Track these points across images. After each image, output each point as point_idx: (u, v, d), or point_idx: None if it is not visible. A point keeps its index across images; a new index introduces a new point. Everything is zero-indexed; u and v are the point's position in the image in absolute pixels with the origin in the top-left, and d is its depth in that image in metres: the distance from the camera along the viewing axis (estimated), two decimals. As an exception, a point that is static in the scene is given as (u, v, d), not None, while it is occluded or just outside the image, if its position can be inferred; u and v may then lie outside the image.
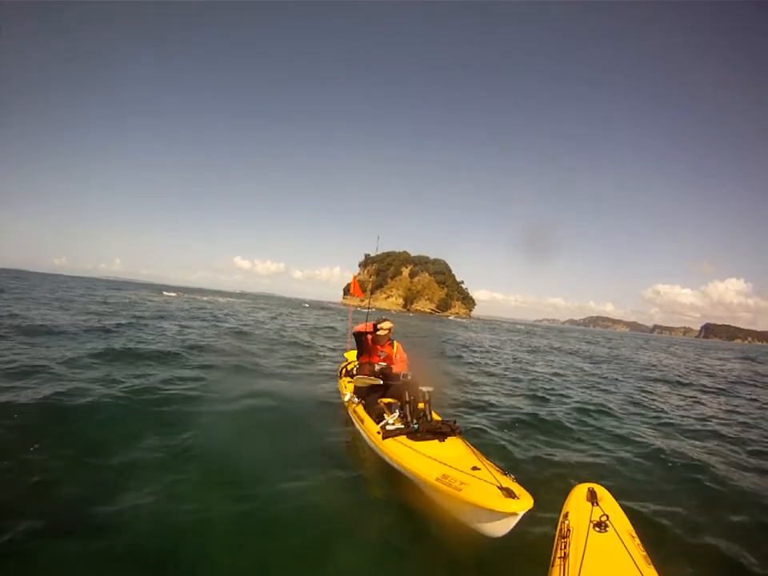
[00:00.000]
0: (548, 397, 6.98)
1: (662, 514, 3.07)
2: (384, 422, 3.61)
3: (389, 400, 4.18)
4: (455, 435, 3.34)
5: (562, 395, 7.26)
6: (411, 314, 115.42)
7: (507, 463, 3.59)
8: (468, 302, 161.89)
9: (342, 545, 2.49)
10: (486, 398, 6.55)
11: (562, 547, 1.96)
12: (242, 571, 2.25)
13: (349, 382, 5.01)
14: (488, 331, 37.20)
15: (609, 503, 2.27)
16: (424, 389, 3.75)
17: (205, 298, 42.14)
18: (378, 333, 4.67)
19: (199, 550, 2.35)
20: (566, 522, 2.12)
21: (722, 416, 6.80)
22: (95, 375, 5.38)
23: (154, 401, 4.64)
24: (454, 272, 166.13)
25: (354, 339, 5.02)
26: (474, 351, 15.30)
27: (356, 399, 4.40)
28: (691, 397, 8.60)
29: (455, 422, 3.47)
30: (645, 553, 1.92)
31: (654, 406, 7.04)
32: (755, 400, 8.87)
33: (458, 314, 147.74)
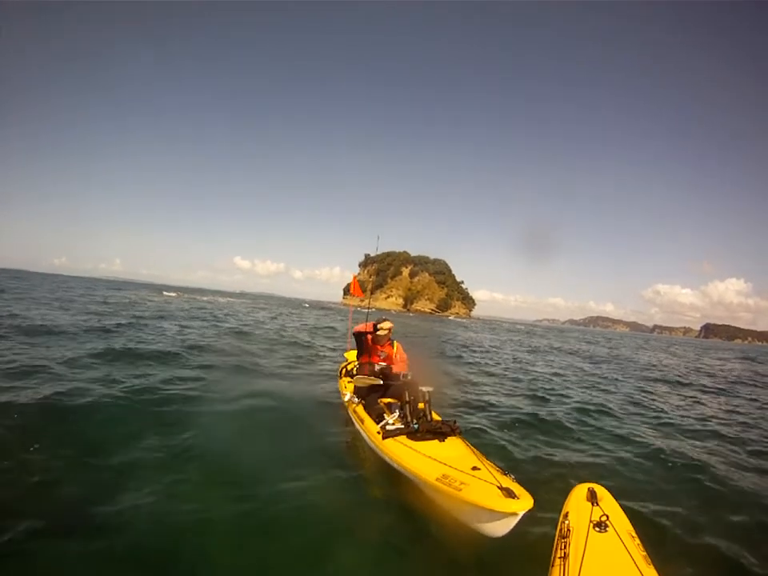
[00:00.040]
0: (548, 397, 6.99)
1: (662, 513, 3.07)
2: (384, 421, 3.61)
3: (389, 400, 4.18)
4: (455, 435, 3.34)
5: (561, 395, 7.26)
6: (411, 314, 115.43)
7: (507, 463, 3.59)
8: (468, 302, 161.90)
9: (342, 545, 2.49)
10: (485, 397, 6.55)
11: (562, 547, 1.96)
12: (242, 571, 2.25)
13: (349, 382, 5.01)
14: (488, 331, 37.20)
15: (609, 503, 2.27)
16: (424, 389, 3.75)
17: (205, 298, 42.14)
18: (378, 333, 4.67)
19: (199, 550, 2.35)
20: (566, 521, 2.12)
21: (722, 416, 6.80)
22: (95, 375, 5.38)
23: (154, 401, 4.64)
24: (454, 272, 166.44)
25: (353, 339, 5.02)
26: (474, 351, 15.30)
27: (356, 399, 4.40)
28: (691, 397, 8.60)
29: (455, 421, 3.47)
30: (645, 553, 1.92)
31: (654, 406, 7.04)
32: (755, 400, 8.87)
33: (458, 314, 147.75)
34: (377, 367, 4.53)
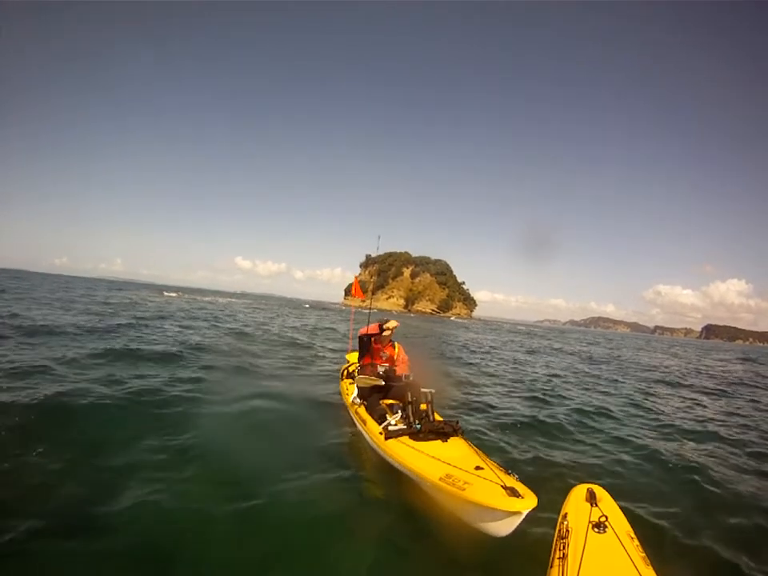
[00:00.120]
0: (548, 398, 6.98)
1: (661, 515, 3.07)
2: (386, 422, 3.61)
3: (391, 401, 4.18)
4: (458, 435, 3.34)
5: (561, 396, 7.26)
6: (412, 315, 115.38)
7: (506, 464, 3.59)
8: (469, 302, 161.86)
9: (344, 545, 2.50)
10: (485, 398, 6.55)
11: (561, 548, 1.96)
12: (242, 571, 2.25)
13: (351, 383, 5.01)
14: (489, 332, 37.18)
15: (608, 504, 2.28)
16: (425, 390, 3.76)
17: (205, 299, 42.17)
18: (383, 333, 4.67)
19: (200, 550, 2.36)
20: (565, 522, 2.13)
21: (722, 418, 6.79)
22: (96, 375, 5.40)
23: (154, 401, 4.65)
24: (455, 273, 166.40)
25: (354, 341, 5.02)
26: (475, 352, 15.30)
27: (358, 400, 4.40)
28: (691, 398, 8.59)
29: (457, 422, 3.47)
30: (644, 554, 1.92)
31: (654, 408, 7.03)
32: (756, 401, 8.85)
33: (459, 314, 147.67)
34: (380, 368, 4.54)
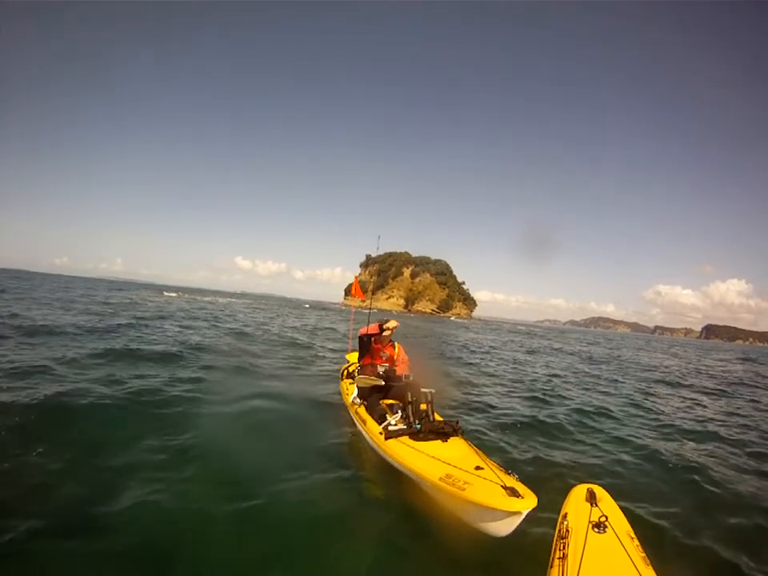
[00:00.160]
0: (548, 398, 6.98)
1: (661, 515, 3.07)
2: (386, 422, 3.61)
3: (391, 401, 4.18)
4: (457, 435, 3.34)
5: (561, 396, 7.26)
6: (412, 315, 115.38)
7: (507, 464, 3.59)
8: (469, 302, 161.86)
9: (344, 544, 2.50)
10: (485, 399, 6.55)
11: (561, 548, 1.96)
12: (242, 571, 2.25)
13: (351, 383, 5.01)
14: (489, 332, 37.18)
15: (608, 504, 2.28)
16: (425, 390, 3.76)
17: (206, 299, 42.17)
18: (384, 333, 4.67)
19: (200, 550, 2.36)
20: (565, 522, 2.13)
21: (722, 418, 6.79)
22: (96, 376, 5.40)
23: (154, 401, 4.65)
24: (455, 273, 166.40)
25: (354, 341, 5.01)
26: (475, 352, 15.30)
27: (358, 400, 4.40)
28: (691, 398, 8.59)
29: (457, 422, 3.47)
30: (644, 554, 1.92)
31: (654, 408, 7.03)
32: (756, 401, 8.85)
33: (459, 314, 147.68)
34: (380, 368, 4.54)
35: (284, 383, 6.45)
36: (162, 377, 5.75)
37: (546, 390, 7.85)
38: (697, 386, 10.67)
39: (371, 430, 3.69)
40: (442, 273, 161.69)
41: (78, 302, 18.48)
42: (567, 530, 2.06)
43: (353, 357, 5.93)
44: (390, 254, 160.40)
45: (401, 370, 4.61)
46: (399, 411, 3.72)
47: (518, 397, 7.02)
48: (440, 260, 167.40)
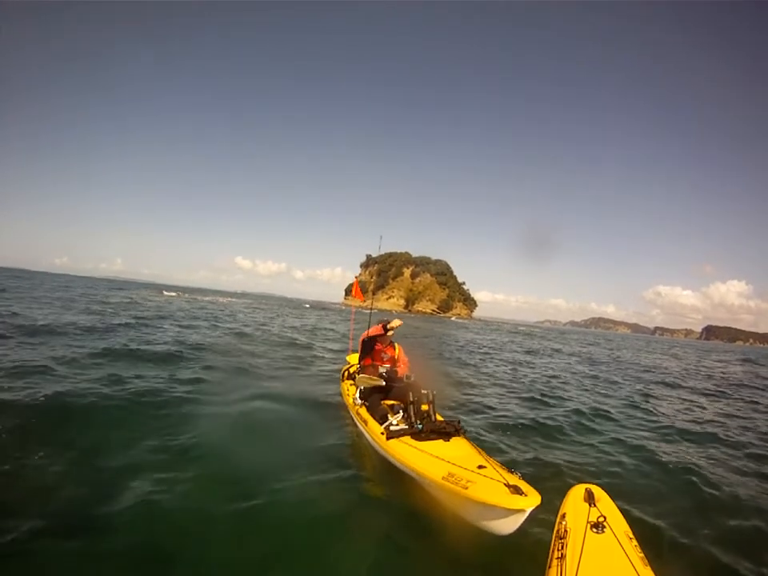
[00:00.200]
0: (547, 399, 6.99)
1: (660, 516, 3.08)
2: (388, 422, 3.61)
3: (392, 402, 4.18)
4: (459, 435, 3.34)
5: (560, 397, 7.26)
6: (412, 315, 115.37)
7: (506, 464, 3.59)
8: (469, 302, 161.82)
9: (345, 544, 2.51)
10: (484, 399, 6.56)
11: (559, 548, 1.97)
12: (243, 571, 2.26)
13: (351, 384, 5.02)
14: (489, 332, 37.17)
15: (606, 504, 2.28)
16: (425, 391, 3.76)
17: (206, 298, 42.18)
18: (388, 333, 4.65)
19: (200, 550, 2.36)
20: (564, 522, 2.13)
21: (721, 419, 6.78)
22: (96, 375, 5.40)
23: (154, 401, 4.66)
24: (455, 273, 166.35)
25: (355, 341, 5.01)
26: (475, 353, 15.30)
27: (359, 401, 4.40)
28: (691, 400, 8.59)
29: (459, 421, 3.47)
30: (642, 554, 1.93)
31: (653, 409, 7.02)
32: (756, 403, 8.85)
33: (459, 314, 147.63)
34: (381, 369, 4.54)
35: (284, 383, 6.46)
36: (162, 377, 5.76)
37: (545, 390, 7.86)
38: (696, 387, 10.67)
39: (373, 430, 3.69)
40: (443, 273, 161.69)
41: (78, 301, 18.48)
42: (565, 530, 2.06)
43: (353, 358, 5.94)
44: (391, 254, 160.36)
45: (402, 370, 4.61)
46: (401, 411, 3.72)
47: (517, 398, 7.02)
48: (440, 260, 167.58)
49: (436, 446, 3.13)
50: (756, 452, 4.95)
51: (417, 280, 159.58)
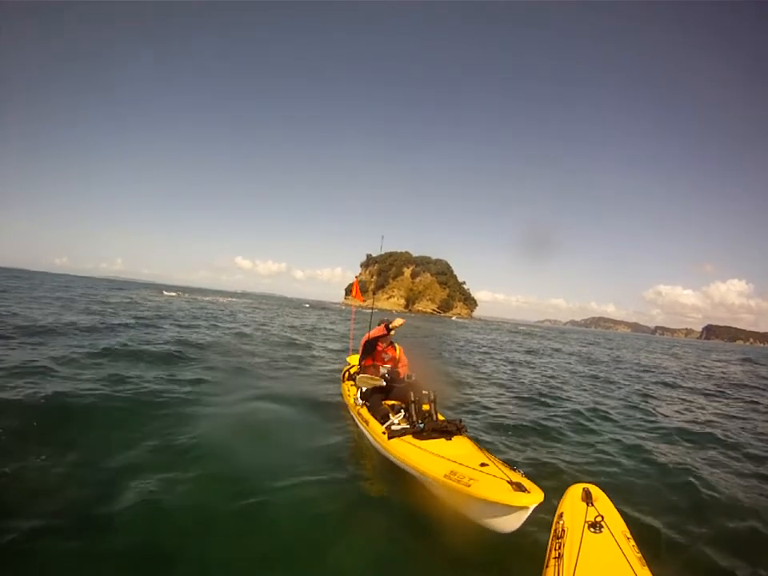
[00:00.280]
0: (546, 399, 6.99)
1: (657, 516, 3.08)
2: (389, 422, 3.61)
3: (393, 402, 4.18)
4: (461, 434, 3.35)
5: (560, 397, 7.26)
6: (413, 315, 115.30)
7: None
8: (470, 302, 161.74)
9: (347, 544, 2.51)
10: (484, 399, 6.56)
11: (557, 548, 1.97)
12: (243, 571, 2.26)
13: (352, 384, 5.02)
14: (489, 332, 37.17)
15: (604, 504, 2.28)
16: (426, 391, 3.76)
17: (206, 298, 42.17)
18: (390, 333, 4.65)
19: (200, 550, 2.37)
20: (561, 522, 2.13)
21: (720, 420, 6.78)
22: (96, 376, 5.40)
23: (154, 402, 4.67)
24: (455, 272, 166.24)
25: (356, 341, 5.00)
26: (474, 352, 15.30)
27: (360, 401, 4.40)
28: (690, 400, 8.59)
29: (461, 420, 3.47)
30: (639, 554, 1.93)
31: (652, 409, 7.02)
32: (756, 403, 8.84)
33: (459, 314, 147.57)
34: (382, 369, 4.54)
35: (284, 383, 6.47)
36: (162, 377, 5.76)
37: (545, 390, 7.86)
38: (696, 387, 10.67)
39: (374, 429, 3.69)
40: (443, 273, 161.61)
41: (78, 301, 18.49)
42: (563, 530, 2.06)
43: (353, 359, 5.93)
44: (391, 254, 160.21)
45: (403, 371, 4.62)
46: (402, 411, 3.72)
47: (517, 398, 7.02)
48: (440, 260, 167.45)
49: (438, 444, 3.14)
50: (755, 453, 4.95)
51: (417, 280, 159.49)
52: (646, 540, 2.30)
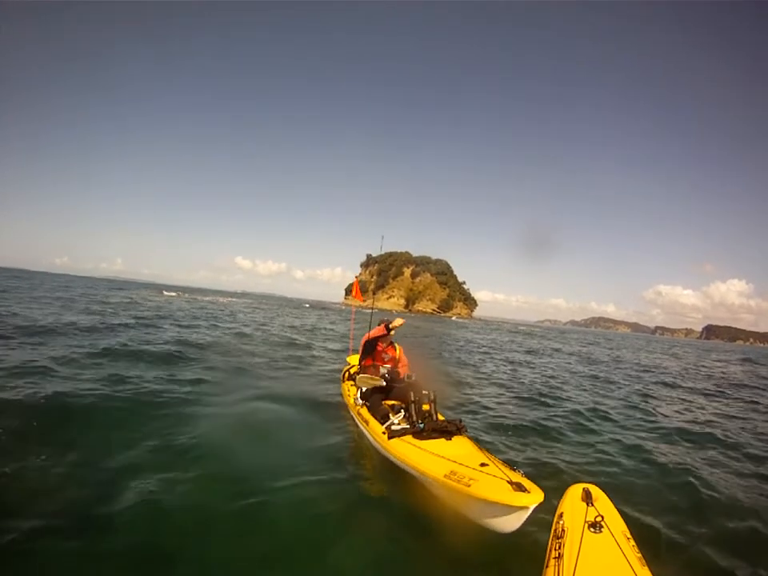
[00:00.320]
0: (546, 399, 6.99)
1: (657, 515, 3.08)
2: (389, 422, 3.61)
3: (393, 402, 4.18)
4: (461, 434, 3.35)
5: (560, 397, 7.26)
6: (413, 315, 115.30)
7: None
8: (470, 302, 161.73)
9: (346, 544, 2.52)
10: (484, 399, 6.56)
11: (557, 548, 1.97)
12: (243, 571, 2.26)
13: (352, 385, 5.02)
14: (489, 332, 37.17)
15: (604, 504, 2.28)
16: (426, 391, 3.76)
17: (206, 298, 42.17)
18: (390, 333, 4.65)
19: (200, 550, 2.37)
20: (561, 522, 2.13)
21: (720, 420, 6.78)
22: (96, 375, 5.40)
23: (154, 402, 4.67)
24: (455, 272, 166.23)
25: (356, 341, 5.00)
26: (474, 352, 15.31)
27: (360, 401, 4.40)
28: (690, 400, 8.59)
29: (461, 420, 3.47)
30: (639, 554, 1.92)
31: (652, 409, 7.02)
32: (756, 403, 8.84)
33: (459, 314, 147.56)
34: (382, 369, 4.54)
35: (284, 383, 6.47)
36: (162, 377, 5.76)
37: (545, 390, 7.86)
38: (696, 387, 10.67)
39: (374, 429, 3.69)
40: (443, 272, 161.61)
41: (78, 301, 18.49)
42: (563, 530, 2.06)
43: (353, 359, 5.93)
44: (391, 254, 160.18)
45: (403, 371, 4.62)
46: (402, 411, 3.72)
47: (517, 398, 7.02)
48: (440, 260, 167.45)
49: (438, 444, 3.14)
50: (755, 453, 4.95)
51: (417, 279, 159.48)
52: (646, 540, 2.30)
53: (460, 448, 3.09)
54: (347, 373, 5.58)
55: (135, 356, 6.93)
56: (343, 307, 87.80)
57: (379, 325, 4.68)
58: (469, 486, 2.34)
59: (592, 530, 2.03)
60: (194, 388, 5.47)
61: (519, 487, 2.19)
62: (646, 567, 1.85)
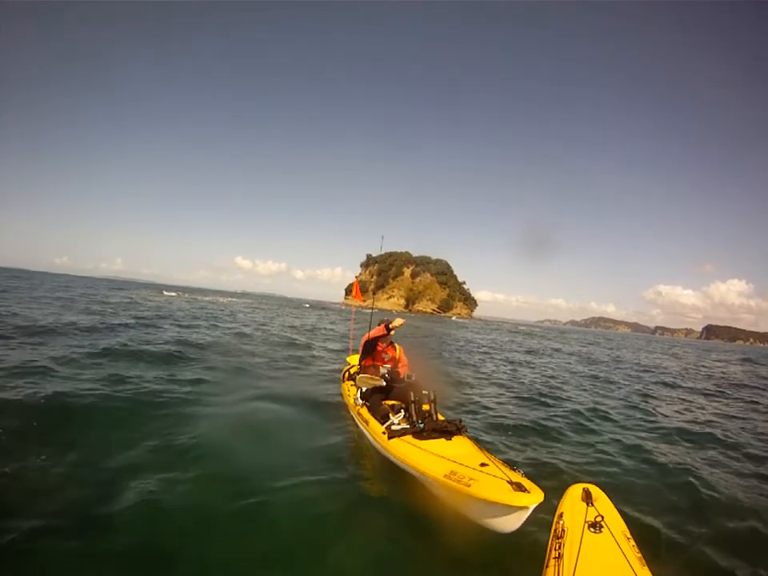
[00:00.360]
0: (546, 399, 6.99)
1: (657, 515, 3.08)
2: (389, 422, 3.61)
3: (393, 402, 4.17)
4: (461, 434, 3.35)
5: (560, 397, 7.26)
6: (413, 315, 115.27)
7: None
8: (470, 302, 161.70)
9: (346, 544, 2.52)
10: (484, 399, 6.56)
11: (557, 548, 1.97)
12: (243, 571, 2.26)
13: (352, 385, 5.02)
14: (489, 332, 37.16)
15: (604, 504, 2.28)
16: (426, 391, 3.76)
17: (206, 298, 42.17)
18: (390, 333, 4.65)
19: (200, 550, 2.37)
20: (561, 522, 2.13)
21: (720, 420, 6.78)
22: (96, 375, 5.41)
23: (154, 401, 4.67)
24: (455, 272, 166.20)
25: (356, 341, 5.00)
26: (474, 352, 15.30)
27: (360, 401, 4.40)
28: (690, 400, 8.59)
29: (461, 420, 3.47)
30: (640, 554, 1.92)
31: (652, 409, 7.02)
32: (756, 403, 8.84)
33: (459, 314, 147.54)
34: (382, 369, 4.54)
35: (284, 383, 6.47)
36: (162, 377, 5.76)
37: (544, 390, 7.86)
38: (696, 387, 10.67)
39: (374, 429, 3.69)
40: (443, 272, 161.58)
41: (78, 301, 18.48)
42: (563, 530, 2.06)
43: (353, 359, 5.93)
44: (391, 254, 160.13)
45: (403, 371, 4.61)
46: (402, 411, 3.72)
47: (517, 397, 7.02)
48: (440, 260, 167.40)
49: (438, 444, 3.14)
50: (755, 453, 4.95)
51: (417, 279, 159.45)
52: (646, 540, 2.30)
53: (460, 448, 3.09)
54: (347, 373, 5.58)
55: (135, 356, 6.93)
56: (343, 307, 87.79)
57: (379, 325, 4.67)
58: (469, 485, 2.34)
59: (592, 530, 2.03)
60: (194, 388, 5.47)
61: (519, 487, 2.19)
62: (646, 567, 1.85)
